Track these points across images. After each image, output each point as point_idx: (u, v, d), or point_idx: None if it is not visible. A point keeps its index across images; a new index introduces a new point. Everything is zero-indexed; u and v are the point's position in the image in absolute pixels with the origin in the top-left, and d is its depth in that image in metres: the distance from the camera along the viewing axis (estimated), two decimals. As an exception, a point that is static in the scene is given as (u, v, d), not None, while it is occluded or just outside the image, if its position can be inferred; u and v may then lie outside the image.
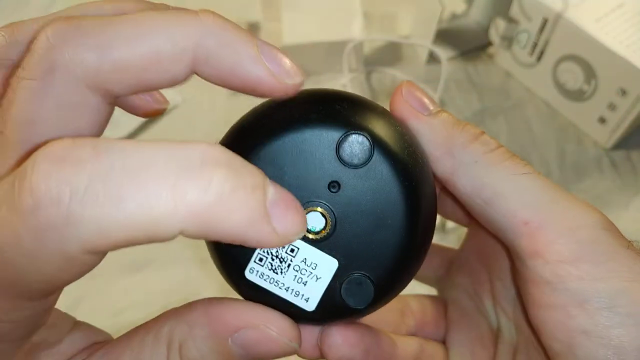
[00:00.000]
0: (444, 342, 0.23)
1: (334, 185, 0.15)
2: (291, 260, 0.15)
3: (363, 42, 0.49)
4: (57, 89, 0.13)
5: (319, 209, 0.15)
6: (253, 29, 0.53)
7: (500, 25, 0.48)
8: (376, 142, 0.15)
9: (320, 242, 0.15)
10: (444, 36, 0.51)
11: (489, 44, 0.51)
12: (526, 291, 0.16)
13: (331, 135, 0.15)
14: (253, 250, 0.15)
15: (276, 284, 0.15)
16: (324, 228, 0.15)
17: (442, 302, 0.24)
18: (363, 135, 0.14)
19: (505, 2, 0.47)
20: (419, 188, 0.15)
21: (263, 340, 0.15)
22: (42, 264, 0.11)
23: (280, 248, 0.15)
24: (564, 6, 0.43)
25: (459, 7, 0.54)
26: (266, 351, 0.15)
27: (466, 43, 0.52)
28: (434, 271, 0.25)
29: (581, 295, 0.15)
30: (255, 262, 0.15)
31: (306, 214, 0.15)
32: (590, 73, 0.43)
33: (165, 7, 0.14)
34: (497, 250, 0.21)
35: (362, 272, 0.15)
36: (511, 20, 0.47)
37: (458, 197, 0.17)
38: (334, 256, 0.15)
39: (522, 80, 0.49)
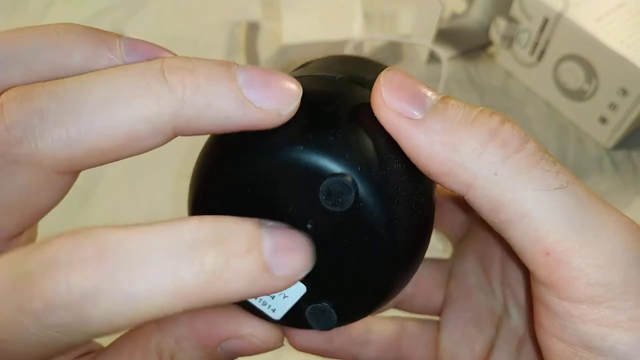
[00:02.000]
0: (437, 316, 0.22)
1: (312, 223, 0.14)
2: None
3: (363, 41, 0.49)
4: (19, 180, 0.12)
5: None
6: (253, 29, 0.53)
7: (500, 24, 0.48)
8: (363, 188, 0.13)
9: None
10: (445, 36, 0.51)
11: (490, 43, 0.51)
12: (536, 310, 0.15)
13: (316, 173, 0.13)
14: None
15: None
16: None
17: (444, 270, 0.22)
18: (348, 180, 0.13)
19: (505, 2, 0.47)
20: (404, 242, 0.14)
21: (249, 347, 0.16)
22: (45, 351, 0.11)
23: None
24: (564, 6, 0.42)
25: (460, 6, 0.54)
26: (253, 353, 0.16)
27: (467, 43, 0.52)
28: (455, 231, 0.22)
29: (594, 341, 0.13)
30: None
31: None
32: (591, 73, 0.43)
33: (117, 37, 0.13)
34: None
35: (328, 303, 0.15)
36: (512, 20, 0.47)
37: (476, 210, 0.14)
38: (303, 282, 0.15)
39: (522, 80, 0.49)
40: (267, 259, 0.12)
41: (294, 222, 0.14)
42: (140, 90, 0.12)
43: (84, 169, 0.13)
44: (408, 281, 0.15)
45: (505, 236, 0.14)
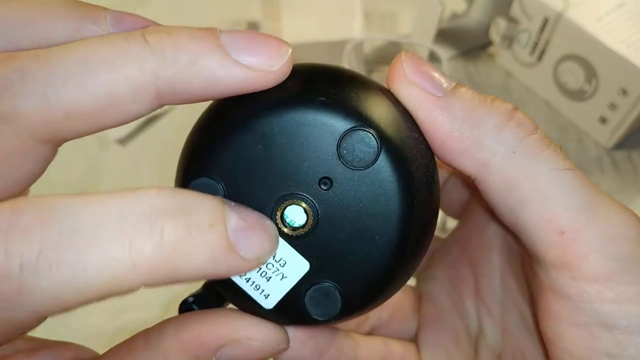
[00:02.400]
0: (413, 340, 0.21)
1: (326, 182, 0.13)
2: None
3: (363, 41, 0.49)
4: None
5: (303, 203, 0.13)
6: (253, 29, 0.53)
7: (500, 24, 0.48)
8: (384, 145, 0.13)
9: (296, 240, 0.13)
10: (445, 36, 0.51)
11: (490, 43, 0.51)
12: (544, 301, 0.14)
13: (336, 126, 0.12)
14: None
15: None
16: (304, 226, 0.13)
17: (414, 296, 0.22)
18: (371, 134, 0.12)
19: (505, 2, 0.47)
20: (420, 207, 0.13)
21: (250, 352, 0.14)
22: None
23: None
24: (564, 6, 0.42)
25: (460, 6, 0.54)
26: (258, 359, 0.14)
27: (467, 42, 0.52)
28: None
29: (610, 319, 0.13)
30: None
31: (288, 206, 0.13)
32: (591, 73, 0.43)
33: (103, 10, 0.13)
34: (486, 244, 0.19)
35: (333, 283, 0.13)
36: (512, 20, 0.47)
37: (485, 194, 0.15)
38: (306, 258, 0.13)
39: (522, 80, 0.49)
40: (231, 237, 0.11)
41: (307, 181, 0.13)
42: (121, 50, 0.11)
43: (65, 137, 0.12)
44: (415, 267, 0.14)
45: (516, 222, 0.14)
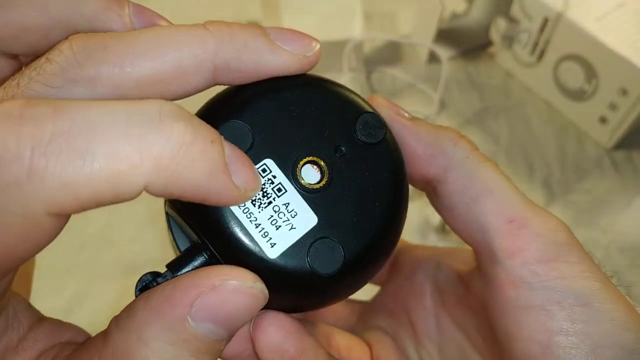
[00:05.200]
0: None
1: (341, 150, 0.15)
2: (274, 199, 0.14)
3: (363, 41, 0.49)
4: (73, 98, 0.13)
5: (321, 162, 0.15)
6: (253, 28, 0.53)
7: (500, 24, 0.48)
8: (387, 130, 0.16)
9: (309, 194, 0.15)
10: (445, 35, 0.51)
11: (490, 43, 0.51)
12: (501, 295, 0.16)
13: (353, 108, 0.16)
14: None
15: (249, 216, 0.14)
16: (318, 182, 0.15)
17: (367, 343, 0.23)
18: (381, 120, 0.16)
19: (505, 2, 0.47)
20: (405, 180, 0.17)
21: (227, 297, 0.12)
22: (3, 227, 0.10)
23: (269, 183, 0.14)
24: (564, 5, 0.42)
25: (460, 6, 0.54)
26: (235, 309, 0.13)
27: (467, 42, 0.52)
28: (344, 321, 0.24)
29: (559, 294, 0.15)
30: None
31: (307, 162, 0.15)
32: (591, 73, 0.43)
33: (126, 1, 0.15)
34: (417, 291, 0.21)
35: (337, 239, 0.15)
36: (512, 20, 0.47)
37: (444, 197, 0.17)
38: (316, 213, 0.15)
39: (522, 80, 0.49)
40: (227, 158, 0.12)
41: (325, 146, 0.15)
42: (187, 34, 0.13)
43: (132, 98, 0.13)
44: (401, 230, 0.17)
45: (470, 218, 0.17)
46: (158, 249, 0.40)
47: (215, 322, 0.12)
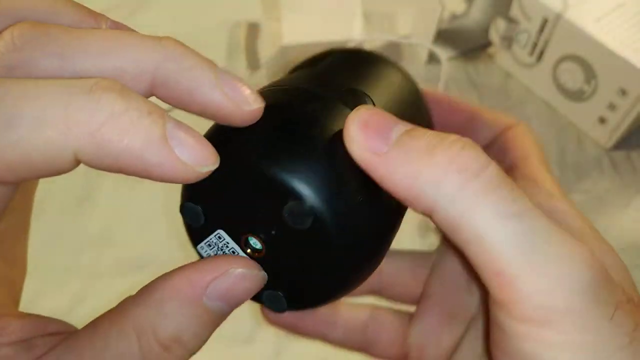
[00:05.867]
0: (414, 305, 0.23)
1: (275, 230, 0.15)
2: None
3: (363, 42, 0.49)
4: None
5: (260, 237, 0.16)
6: (253, 29, 0.53)
7: (500, 25, 0.48)
8: (322, 213, 0.14)
9: (255, 259, 0.16)
10: (444, 36, 0.51)
11: (489, 44, 0.51)
12: (491, 329, 0.15)
13: (281, 193, 0.14)
14: (206, 235, 0.16)
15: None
16: (260, 251, 0.16)
17: (423, 265, 0.23)
18: (306, 208, 0.14)
19: (505, 2, 0.47)
20: (353, 264, 0.15)
21: (235, 282, 0.15)
22: None
23: (226, 247, 0.16)
24: (563, 6, 0.43)
25: (459, 7, 0.54)
26: (242, 291, 0.15)
27: (466, 43, 0.52)
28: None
29: (533, 359, 0.14)
30: (204, 244, 0.17)
31: (250, 236, 0.16)
32: (590, 73, 0.43)
33: (105, 17, 0.15)
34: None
35: (281, 292, 0.16)
36: (511, 20, 0.47)
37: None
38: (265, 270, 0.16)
39: (522, 80, 0.49)
40: (168, 130, 0.12)
41: (262, 225, 0.15)
42: (137, 40, 0.13)
43: None
44: (353, 288, 0.17)
45: (464, 254, 0.15)
46: (158, 249, 0.40)
47: (224, 301, 0.15)
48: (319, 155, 0.15)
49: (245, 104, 0.14)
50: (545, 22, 0.44)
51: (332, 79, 0.19)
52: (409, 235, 0.42)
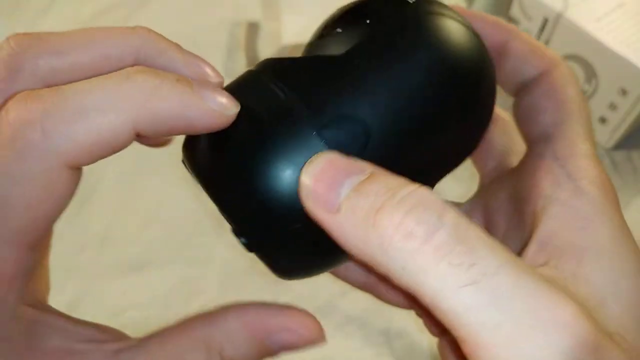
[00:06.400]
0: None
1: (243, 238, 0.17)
2: None
3: (363, 41, 0.49)
4: (18, 84, 0.15)
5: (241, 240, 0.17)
6: (253, 29, 0.53)
7: (500, 25, 0.48)
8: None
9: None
10: (445, 36, 0.51)
11: (490, 43, 0.51)
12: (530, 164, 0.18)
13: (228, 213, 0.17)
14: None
15: None
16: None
17: (479, 213, 0.22)
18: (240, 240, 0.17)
19: (505, 2, 0.47)
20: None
21: (297, 340, 0.16)
22: (28, 186, 0.14)
23: None
24: (564, 6, 0.43)
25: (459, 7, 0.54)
26: (299, 346, 0.17)
27: (466, 43, 0.52)
28: (488, 166, 0.23)
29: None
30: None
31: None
32: (590, 73, 0.43)
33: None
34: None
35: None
36: (511, 20, 0.47)
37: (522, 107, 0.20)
38: None
39: (522, 80, 0.49)
40: (195, 89, 0.15)
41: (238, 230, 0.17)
42: (115, 31, 0.16)
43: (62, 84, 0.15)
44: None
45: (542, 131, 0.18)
46: (159, 249, 0.40)
47: (282, 347, 0.17)
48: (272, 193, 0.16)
49: (207, 75, 0.16)
50: (545, 21, 0.44)
51: (349, 72, 0.17)
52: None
